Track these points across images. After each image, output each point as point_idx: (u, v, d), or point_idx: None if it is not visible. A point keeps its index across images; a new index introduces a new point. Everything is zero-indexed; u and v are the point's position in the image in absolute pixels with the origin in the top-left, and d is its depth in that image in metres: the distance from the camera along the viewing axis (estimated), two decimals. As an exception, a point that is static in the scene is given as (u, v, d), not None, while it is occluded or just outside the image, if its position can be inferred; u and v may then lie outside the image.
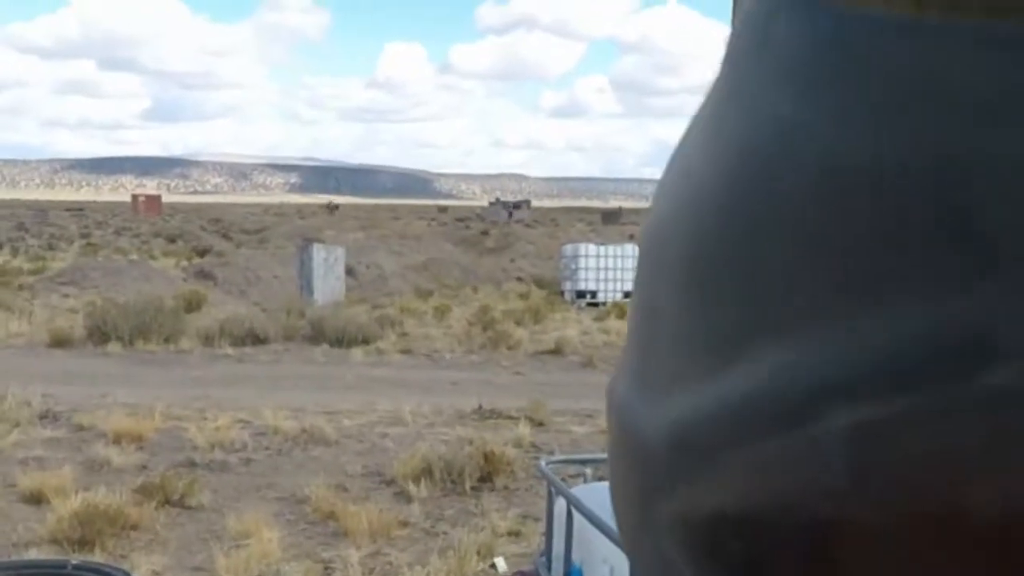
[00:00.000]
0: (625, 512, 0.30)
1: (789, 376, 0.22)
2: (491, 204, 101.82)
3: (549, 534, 3.80)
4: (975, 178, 0.20)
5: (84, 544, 6.84)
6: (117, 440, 9.63)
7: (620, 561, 3.14)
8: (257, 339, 16.79)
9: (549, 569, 3.77)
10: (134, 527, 7.33)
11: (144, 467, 8.94)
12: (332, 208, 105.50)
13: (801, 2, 0.24)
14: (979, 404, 0.20)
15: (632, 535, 0.29)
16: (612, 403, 0.30)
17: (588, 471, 4.10)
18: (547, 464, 3.93)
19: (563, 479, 3.97)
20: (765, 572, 0.24)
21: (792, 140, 0.24)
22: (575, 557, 3.58)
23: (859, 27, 0.22)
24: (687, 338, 0.26)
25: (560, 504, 3.69)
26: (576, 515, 3.49)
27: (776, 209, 0.23)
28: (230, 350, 16.11)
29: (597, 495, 3.68)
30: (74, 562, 4.41)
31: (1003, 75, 0.20)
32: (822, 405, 0.22)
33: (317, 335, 17.11)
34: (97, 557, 6.46)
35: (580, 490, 3.78)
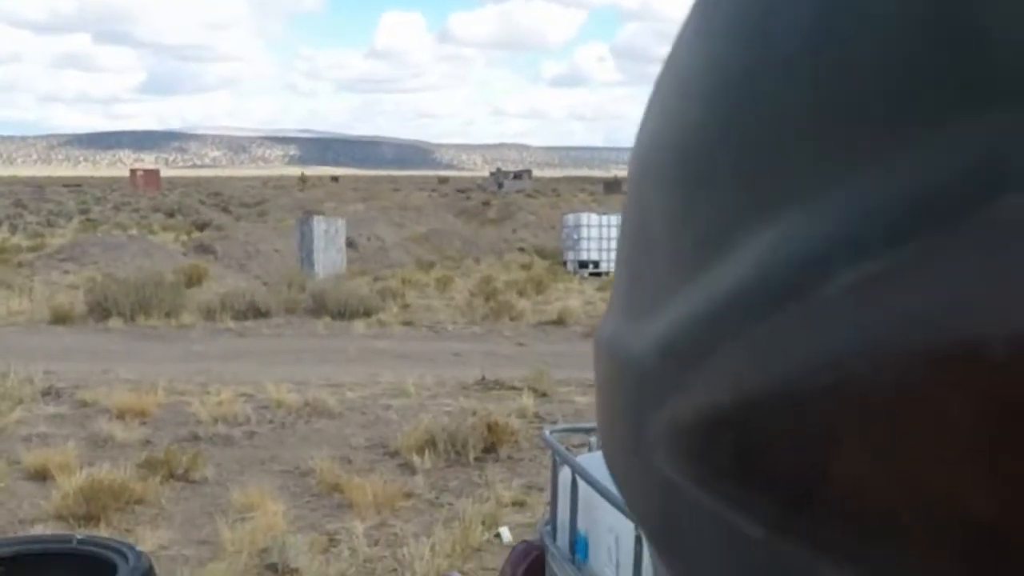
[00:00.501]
0: (616, 448, 0.29)
1: (787, 249, 0.22)
2: (492, 174, 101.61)
3: (554, 503, 3.78)
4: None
5: (89, 519, 6.85)
6: (120, 416, 9.63)
7: (626, 530, 3.12)
8: (258, 313, 16.77)
9: (554, 538, 3.75)
10: (139, 502, 7.34)
11: (148, 442, 8.94)
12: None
13: None
14: (986, 239, 0.19)
15: (624, 468, 0.29)
16: (600, 344, 0.30)
17: (592, 440, 4.08)
18: (551, 433, 3.90)
19: (568, 448, 3.95)
20: (760, 464, 0.23)
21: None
22: (580, 526, 3.57)
23: None
24: (675, 244, 0.26)
25: (565, 473, 3.67)
26: (581, 484, 3.47)
27: (767, 71, 0.23)
28: (231, 324, 16.10)
29: (603, 463, 3.66)
30: (80, 537, 4.40)
31: None
32: (825, 268, 0.21)
33: (318, 308, 17.10)
34: (102, 532, 6.47)
35: (585, 459, 3.76)
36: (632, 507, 0.29)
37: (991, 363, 0.19)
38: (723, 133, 0.24)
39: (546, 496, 7.74)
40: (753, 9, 0.24)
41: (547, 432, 3.92)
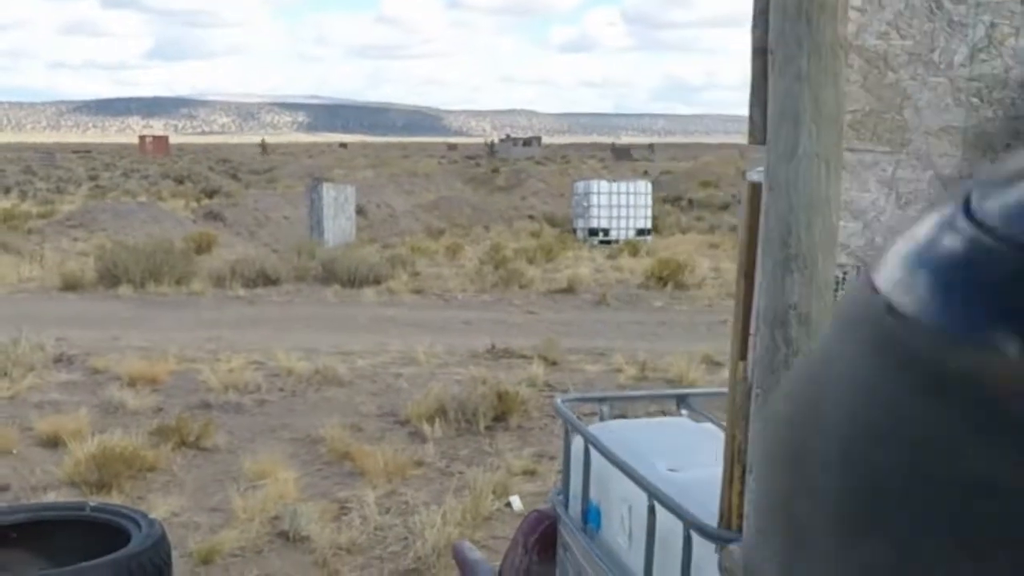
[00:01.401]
0: None
1: None
2: (502, 141, 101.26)
3: (566, 473, 3.76)
4: None
5: (102, 487, 6.87)
6: (132, 383, 9.65)
7: (638, 499, 3.11)
8: (268, 280, 16.77)
9: (566, 507, 3.74)
10: (151, 469, 7.36)
11: (159, 409, 8.96)
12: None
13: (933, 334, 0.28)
14: None
15: None
16: None
17: (605, 409, 4.06)
18: (563, 402, 3.88)
19: (579, 417, 3.93)
20: None
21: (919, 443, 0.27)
22: (593, 495, 3.56)
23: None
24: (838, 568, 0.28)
25: (577, 442, 3.66)
26: (593, 453, 3.46)
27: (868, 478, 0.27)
28: (241, 291, 16.10)
29: (615, 433, 3.65)
30: (92, 504, 4.41)
31: None
32: None
33: (328, 276, 17.09)
34: (114, 499, 6.49)
35: (597, 428, 3.74)
36: None
37: None
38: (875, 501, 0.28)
39: (556, 465, 7.74)
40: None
41: (559, 401, 3.90)
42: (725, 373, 11.66)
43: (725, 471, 2.65)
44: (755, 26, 2.60)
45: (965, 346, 0.27)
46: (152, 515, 4.34)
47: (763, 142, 2.61)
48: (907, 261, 0.30)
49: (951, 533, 0.25)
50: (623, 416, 5.20)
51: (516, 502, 6.84)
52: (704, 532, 2.63)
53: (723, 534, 2.57)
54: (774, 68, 2.51)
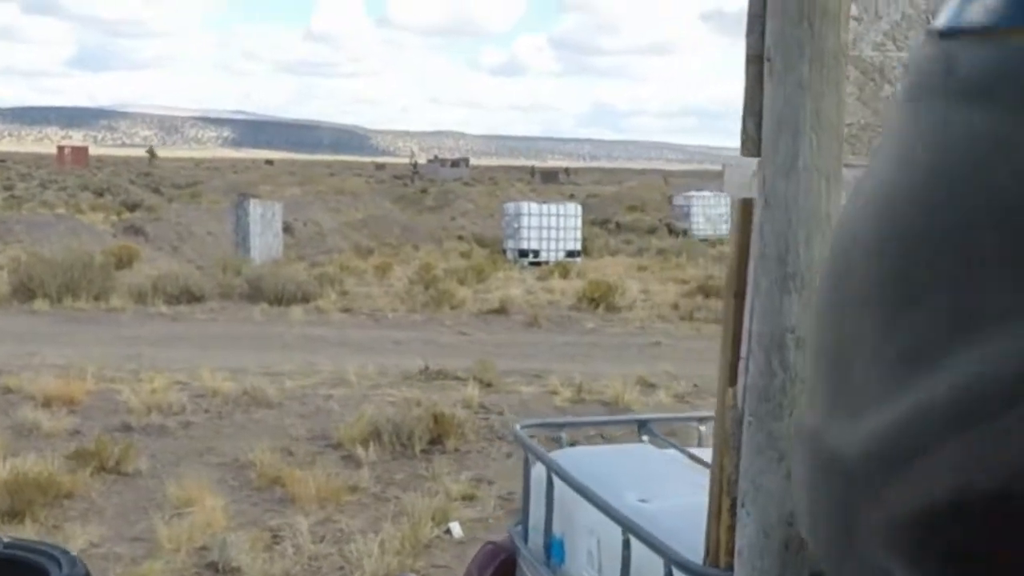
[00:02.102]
0: (826, 540, 0.32)
1: (999, 365, 0.25)
2: (430, 161, 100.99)
3: (526, 503, 3.54)
4: None
5: (14, 515, 6.45)
6: (47, 403, 9.19)
7: (608, 531, 2.90)
8: (192, 297, 16.31)
9: (526, 540, 3.52)
10: (68, 496, 6.96)
11: (77, 432, 8.54)
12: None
13: (982, 36, 0.28)
14: None
15: (837, 560, 0.31)
16: (802, 437, 0.33)
17: (564, 435, 3.85)
18: (522, 428, 3.66)
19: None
20: (984, 557, 0.26)
21: (995, 149, 0.27)
22: (556, 528, 3.34)
23: None
24: (876, 357, 0.29)
25: (538, 470, 3.44)
26: (557, 482, 3.24)
27: (983, 208, 0.26)
28: (164, 308, 15.63)
29: (578, 461, 3.44)
30: (5, 540, 4.06)
31: None
32: None
33: (255, 293, 16.67)
34: (28, 528, 6.11)
35: (559, 455, 3.54)
36: None
37: None
38: (935, 259, 0.27)
39: (496, 490, 7.51)
40: (960, 166, 0.28)
41: (518, 428, 3.68)
42: (660, 395, 11.53)
43: (711, 503, 2.45)
44: (750, 31, 2.44)
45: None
46: (73, 552, 4.01)
47: (757, 154, 2.45)
48: None
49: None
50: (582, 442, 5.00)
51: (456, 528, 6.59)
52: (688, 569, 2.43)
53: (709, 572, 2.37)
54: (772, 75, 2.36)
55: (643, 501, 3.05)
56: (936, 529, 0.26)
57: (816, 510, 0.31)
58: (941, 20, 0.29)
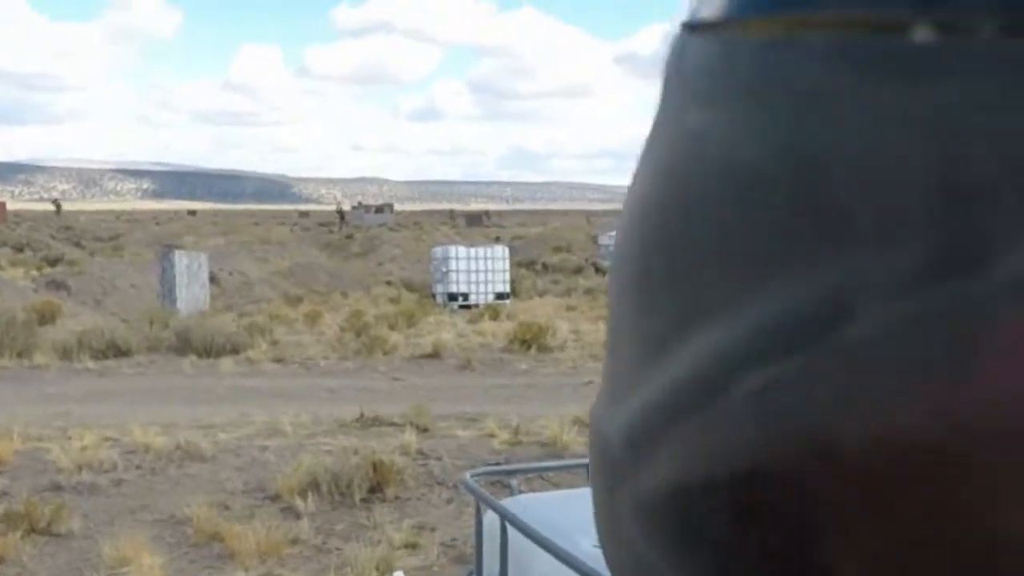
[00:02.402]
0: (599, 520, 0.33)
1: (708, 355, 0.27)
2: (354, 208, 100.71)
3: (479, 553, 3.51)
4: (828, 173, 0.25)
5: (-57, 581, 6.27)
6: (-28, 465, 8.95)
7: (562, 578, 2.88)
8: (119, 351, 16.02)
9: (478, 591, 3.49)
10: (-2, 560, 6.77)
11: (5, 493, 8.31)
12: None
13: (704, 31, 0.29)
14: (841, 355, 0.25)
15: (607, 540, 0.33)
16: (591, 420, 0.34)
17: (514, 483, 3.83)
18: (472, 477, 3.64)
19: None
20: (708, 537, 0.28)
21: (700, 149, 0.28)
22: (509, 576, 3.31)
23: (744, 50, 0.27)
24: (636, 342, 0.30)
25: (490, 519, 3.42)
26: (511, 531, 3.22)
27: (692, 211, 0.28)
28: (90, 364, 15.33)
29: (531, 508, 3.42)
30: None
31: (847, 81, 0.25)
32: (735, 374, 0.26)
33: (183, 345, 16.43)
34: (-42, 595, 5.93)
35: (511, 503, 3.52)
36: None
37: (851, 457, 0.24)
38: (662, 256, 0.29)
39: (439, 536, 7.45)
40: (677, 165, 0.29)
41: (468, 476, 3.65)
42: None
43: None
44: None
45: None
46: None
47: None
48: None
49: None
50: (535, 490, 4.98)
51: (400, 578, 6.51)
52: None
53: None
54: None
55: (597, 547, 3.04)
56: (668, 511, 0.28)
57: (595, 498, 0.32)
58: (682, 14, 0.29)
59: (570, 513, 3.40)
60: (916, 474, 0.24)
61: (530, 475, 6.78)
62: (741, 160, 0.27)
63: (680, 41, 0.30)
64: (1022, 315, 0.22)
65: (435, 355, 16.36)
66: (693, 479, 0.28)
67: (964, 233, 0.23)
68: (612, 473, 0.31)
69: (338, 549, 7.03)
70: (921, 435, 0.23)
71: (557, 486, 5.95)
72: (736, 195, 0.27)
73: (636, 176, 0.31)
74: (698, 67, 0.29)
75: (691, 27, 0.29)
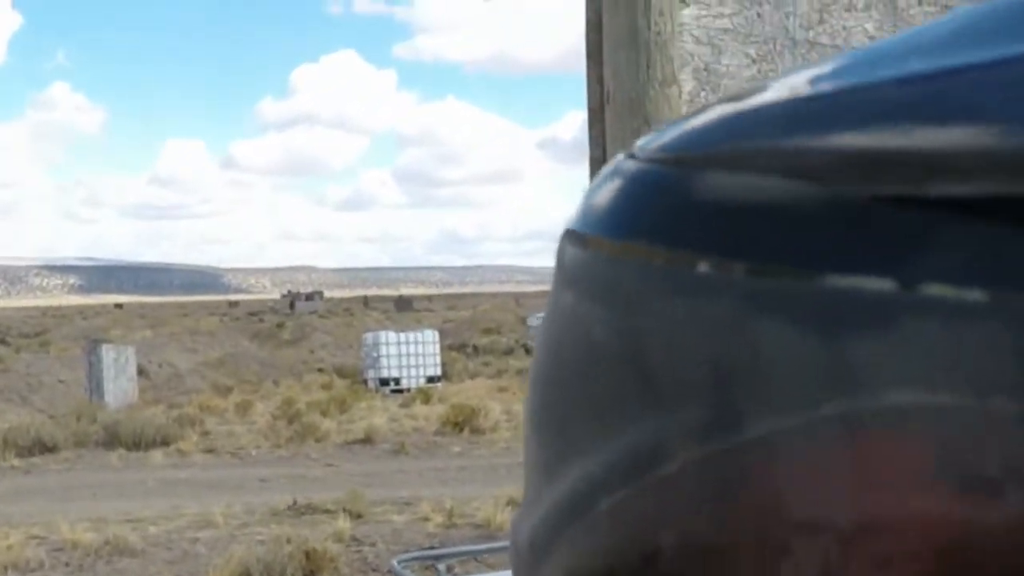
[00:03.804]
0: None
1: (579, 481, 0.36)
2: (283, 296, 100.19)
3: (406, 639, 3.57)
4: (645, 354, 0.34)
5: None
6: None
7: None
8: (45, 448, 15.77)
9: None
10: (-78, 663, 6.63)
11: (-72, 596, 8.15)
12: None
13: (575, 239, 0.39)
14: (661, 487, 0.34)
15: None
16: (510, 527, 0.42)
17: (441, 567, 3.91)
18: (400, 563, 3.71)
19: None
20: None
21: (569, 325, 0.38)
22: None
23: (598, 258, 0.38)
24: (536, 467, 0.39)
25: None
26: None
27: (564, 371, 0.38)
28: (16, 461, 15.05)
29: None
30: None
31: (657, 292, 0.35)
32: (595, 496, 0.35)
33: (112, 439, 16.22)
34: None
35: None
36: None
37: (665, 559, 0.33)
38: (548, 403, 0.39)
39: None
40: (554, 336, 0.39)
41: (395, 563, 3.72)
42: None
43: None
44: (591, 126, 2.59)
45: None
46: None
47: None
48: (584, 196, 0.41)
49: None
50: (461, 574, 5.03)
51: (334, 665, 6.50)
52: None
53: None
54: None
55: None
56: None
57: None
58: (567, 221, 0.42)
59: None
60: (710, 571, 0.33)
61: (463, 558, 6.85)
62: (592, 338, 0.36)
63: (562, 242, 0.40)
64: (766, 463, 0.32)
65: (368, 440, 16.33)
66: (575, 574, 0.36)
67: (725, 403, 0.33)
68: (521, 570, 0.39)
69: (272, 638, 6.99)
70: (712, 540, 0.33)
71: (492, 567, 6.02)
72: (589, 363, 0.36)
73: (537, 335, 0.41)
74: (570, 264, 0.39)
75: (566, 234, 0.40)
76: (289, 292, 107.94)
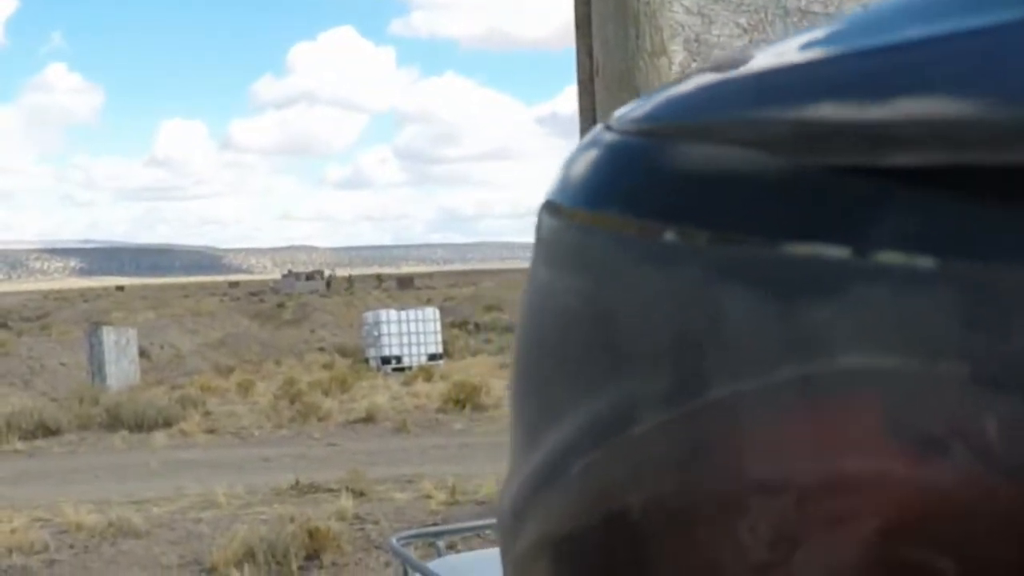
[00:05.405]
0: None
1: (554, 444, 0.37)
2: (284, 276, 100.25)
3: (406, 618, 3.55)
4: (615, 321, 0.36)
5: None
6: (-101, 553, 8.80)
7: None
8: (49, 431, 15.82)
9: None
10: (-72, 647, 6.67)
11: (-67, 580, 8.19)
12: None
13: (550, 211, 0.41)
14: (628, 449, 0.35)
15: None
16: (498, 496, 0.44)
17: (441, 544, 3.89)
18: (398, 540, 3.68)
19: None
20: None
21: (545, 295, 0.40)
22: (438, 641, 3.37)
23: (570, 228, 0.39)
24: (518, 435, 0.41)
25: (416, 582, 3.47)
26: (439, 595, 3.29)
27: (542, 339, 0.39)
28: (19, 445, 15.10)
29: (457, 570, 3.49)
30: None
31: (626, 260, 0.36)
32: (569, 459, 0.37)
33: (114, 421, 16.26)
34: None
35: (437, 565, 3.57)
36: None
37: (634, 518, 0.35)
38: (527, 372, 0.41)
39: (377, 600, 7.47)
40: (533, 305, 0.41)
41: (393, 540, 3.69)
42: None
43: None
44: (581, 94, 2.57)
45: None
46: None
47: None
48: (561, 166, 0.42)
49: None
50: (461, 550, 5.04)
51: (338, 643, 6.53)
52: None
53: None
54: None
55: None
56: (533, 566, 0.39)
57: (501, 559, 0.43)
58: (544, 192, 0.44)
59: (494, 572, 3.46)
60: (675, 530, 0.34)
61: (466, 535, 6.86)
62: (565, 306, 0.38)
63: (540, 212, 0.42)
64: (727, 426, 0.33)
65: (370, 419, 16.36)
66: (545, 538, 0.38)
67: (689, 368, 0.34)
68: (504, 537, 0.41)
69: (276, 617, 7.03)
70: (677, 501, 0.34)
71: (494, 543, 6.03)
72: (563, 330, 0.38)
73: (519, 306, 0.43)
74: (546, 235, 0.41)
75: (544, 205, 0.42)
76: (290, 271, 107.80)
